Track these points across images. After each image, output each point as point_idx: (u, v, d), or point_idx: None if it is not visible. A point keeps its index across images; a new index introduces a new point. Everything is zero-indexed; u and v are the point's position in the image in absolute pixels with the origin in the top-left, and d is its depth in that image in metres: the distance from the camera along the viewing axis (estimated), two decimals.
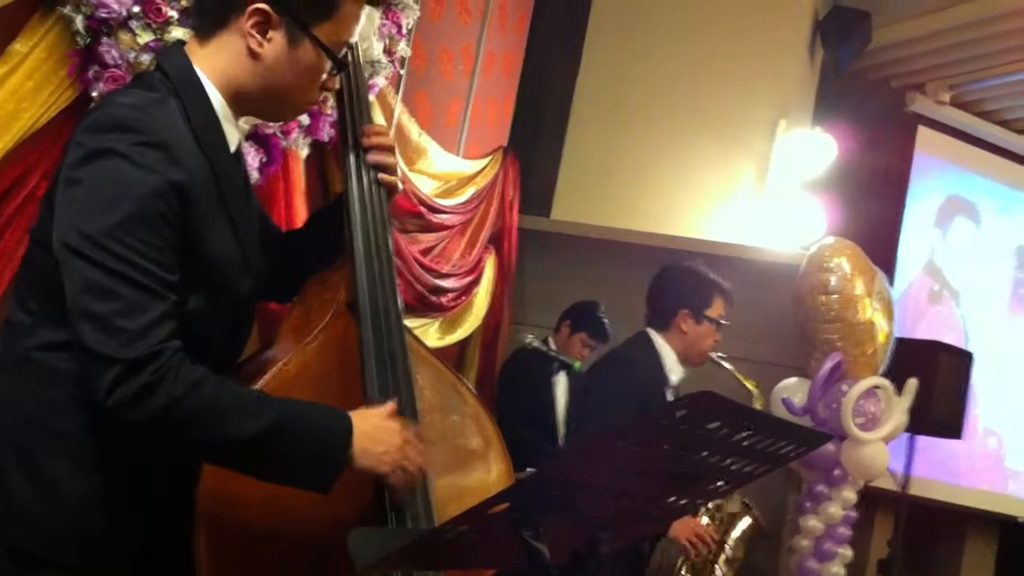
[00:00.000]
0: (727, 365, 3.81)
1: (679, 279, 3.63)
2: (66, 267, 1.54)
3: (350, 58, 1.94)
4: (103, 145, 1.55)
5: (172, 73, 1.71)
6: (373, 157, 2.00)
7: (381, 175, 2.00)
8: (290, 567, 1.72)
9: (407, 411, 1.85)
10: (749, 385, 3.84)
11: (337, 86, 1.87)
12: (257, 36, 1.71)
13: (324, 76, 1.78)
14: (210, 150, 1.69)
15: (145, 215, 1.54)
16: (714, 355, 3.67)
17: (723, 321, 3.61)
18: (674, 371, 3.56)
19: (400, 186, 2.08)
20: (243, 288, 1.78)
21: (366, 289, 1.89)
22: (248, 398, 1.62)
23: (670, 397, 3.54)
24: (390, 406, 1.77)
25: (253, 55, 1.72)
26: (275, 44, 1.71)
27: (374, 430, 1.70)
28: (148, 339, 1.51)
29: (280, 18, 1.70)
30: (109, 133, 1.57)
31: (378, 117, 3.90)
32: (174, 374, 1.52)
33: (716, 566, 3.84)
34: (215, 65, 1.73)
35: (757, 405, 3.93)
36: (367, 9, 1.83)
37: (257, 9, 1.70)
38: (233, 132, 1.78)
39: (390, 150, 2.03)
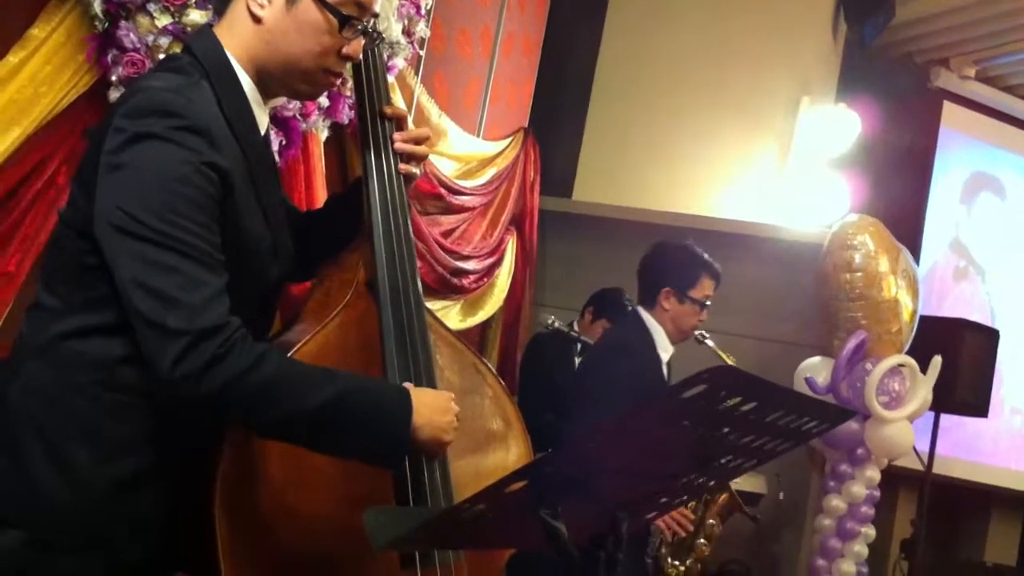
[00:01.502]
0: (709, 343, 3.83)
1: (667, 257, 3.63)
2: (115, 248, 1.54)
3: (369, 25, 1.85)
4: (145, 129, 1.55)
5: (203, 57, 1.70)
6: (401, 147, 1.97)
7: (403, 166, 1.98)
8: (309, 548, 1.72)
9: None
10: (729, 360, 3.84)
11: (358, 54, 1.80)
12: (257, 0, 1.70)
13: (339, 41, 1.74)
14: (243, 135, 1.69)
15: (192, 196, 1.54)
16: (696, 333, 3.67)
17: (708, 302, 3.59)
18: (665, 349, 3.56)
19: (418, 173, 2.05)
20: (272, 273, 1.78)
21: (385, 269, 1.88)
22: (313, 370, 1.63)
23: (665, 375, 3.55)
24: (448, 393, 1.79)
25: (256, 19, 1.71)
26: (275, 5, 1.70)
27: (435, 400, 1.72)
28: (212, 311, 1.51)
29: None
30: (149, 117, 1.56)
31: (397, 99, 3.88)
32: (240, 347, 1.53)
33: (697, 542, 3.85)
34: (232, 40, 1.72)
35: None
36: None
37: None
38: (263, 116, 1.78)
39: (424, 140, 2.01)
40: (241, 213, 1.66)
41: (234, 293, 1.62)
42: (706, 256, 3.59)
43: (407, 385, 1.74)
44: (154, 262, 1.51)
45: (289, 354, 1.76)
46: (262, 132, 1.78)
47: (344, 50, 1.76)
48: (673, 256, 3.61)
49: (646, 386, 3.34)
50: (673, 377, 3.67)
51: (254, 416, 1.58)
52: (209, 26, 1.79)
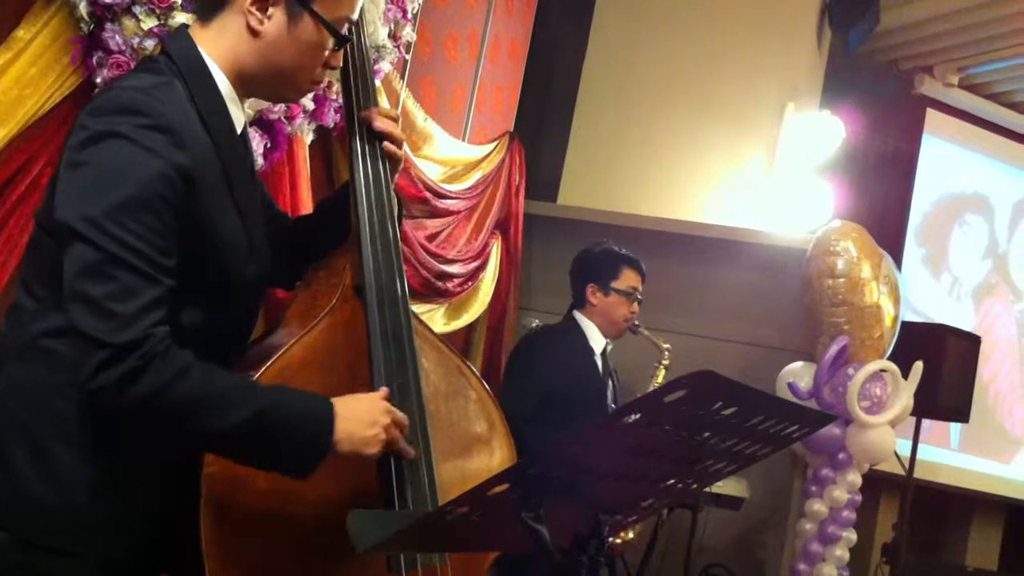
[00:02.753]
0: (644, 331, 4.10)
1: (587, 258, 3.89)
2: (65, 248, 1.54)
3: (353, 35, 1.91)
4: (108, 127, 1.55)
5: (177, 56, 1.71)
6: (377, 125, 1.99)
7: (386, 144, 2.00)
8: (294, 548, 1.72)
9: (412, 394, 1.85)
10: (662, 344, 4.21)
11: (340, 63, 1.85)
12: (257, 14, 1.71)
13: (327, 53, 1.78)
14: (217, 133, 1.69)
15: (147, 198, 1.54)
16: (633, 324, 3.93)
17: (634, 292, 3.82)
18: (596, 341, 3.80)
19: (403, 155, 2.06)
20: (248, 273, 1.78)
21: (372, 273, 1.89)
22: (232, 387, 1.61)
23: (599, 364, 3.79)
24: (383, 391, 1.78)
25: (253, 33, 1.71)
26: (275, 21, 1.71)
27: (359, 412, 1.70)
28: (138, 324, 1.51)
29: None
30: (114, 115, 1.56)
31: (383, 102, 3.89)
32: (160, 361, 1.52)
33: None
34: (218, 47, 1.73)
35: (666, 363, 4.27)
36: None
37: None
38: (239, 114, 1.78)
39: (394, 120, 2.03)
40: (212, 212, 1.66)
41: (211, 293, 1.63)
42: (624, 251, 3.86)
43: (341, 398, 1.71)
44: (92, 268, 1.51)
45: (275, 357, 1.76)
46: (239, 130, 1.78)
47: (328, 61, 1.80)
48: (594, 255, 3.88)
49: (569, 365, 3.68)
50: (623, 374, 3.99)
51: (171, 429, 1.58)
52: (186, 27, 1.79)
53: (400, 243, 1.96)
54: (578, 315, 3.84)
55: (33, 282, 1.67)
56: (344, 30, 1.79)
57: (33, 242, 1.72)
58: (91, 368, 1.49)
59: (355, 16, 1.83)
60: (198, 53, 1.72)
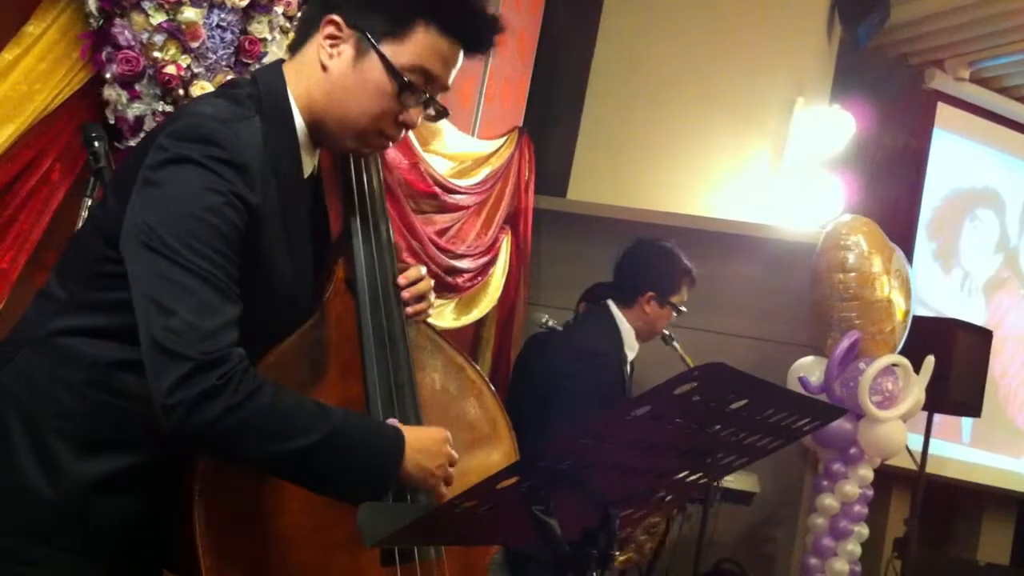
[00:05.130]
0: (676, 344, 3.95)
1: (651, 260, 3.61)
2: (137, 261, 1.53)
3: (429, 92, 1.77)
4: (184, 153, 1.55)
5: (264, 91, 1.71)
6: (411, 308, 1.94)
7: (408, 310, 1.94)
8: (289, 545, 1.72)
9: (406, 392, 1.84)
10: (688, 360, 3.98)
11: (417, 121, 1.78)
12: (328, 48, 1.70)
13: (398, 106, 1.72)
14: (284, 177, 1.68)
15: (218, 225, 1.54)
16: (665, 333, 3.77)
17: (683, 308, 3.63)
18: (632, 348, 3.56)
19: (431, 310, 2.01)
20: (280, 323, 1.77)
21: (364, 267, 1.87)
22: (304, 410, 1.58)
23: (626, 374, 3.57)
24: (444, 432, 1.74)
25: (324, 68, 1.71)
26: (343, 57, 1.70)
27: (427, 443, 1.68)
28: (219, 340, 1.49)
29: (350, 31, 1.70)
30: (193, 143, 1.56)
31: None
32: (238, 381, 1.50)
33: (638, 538, 3.86)
34: (299, 83, 1.73)
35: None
36: (459, 52, 1.76)
37: (330, 20, 1.70)
38: (310, 161, 1.78)
39: (424, 297, 1.97)
40: (266, 254, 1.66)
41: (244, 329, 1.62)
42: (688, 263, 3.61)
43: (408, 427, 1.70)
44: (173, 281, 1.50)
45: (266, 352, 1.74)
46: (305, 175, 1.77)
47: (400, 117, 1.75)
48: (658, 260, 3.61)
49: (609, 392, 3.32)
50: (637, 374, 3.68)
51: (240, 450, 1.55)
52: (281, 62, 1.79)
53: (393, 236, 1.95)
54: (617, 313, 3.56)
55: (67, 275, 1.68)
56: (422, 83, 1.72)
57: (80, 236, 1.74)
58: (171, 381, 1.47)
59: (437, 71, 1.74)
60: (285, 91, 1.72)
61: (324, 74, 1.71)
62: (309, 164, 1.78)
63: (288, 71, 1.75)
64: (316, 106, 1.73)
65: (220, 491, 1.65)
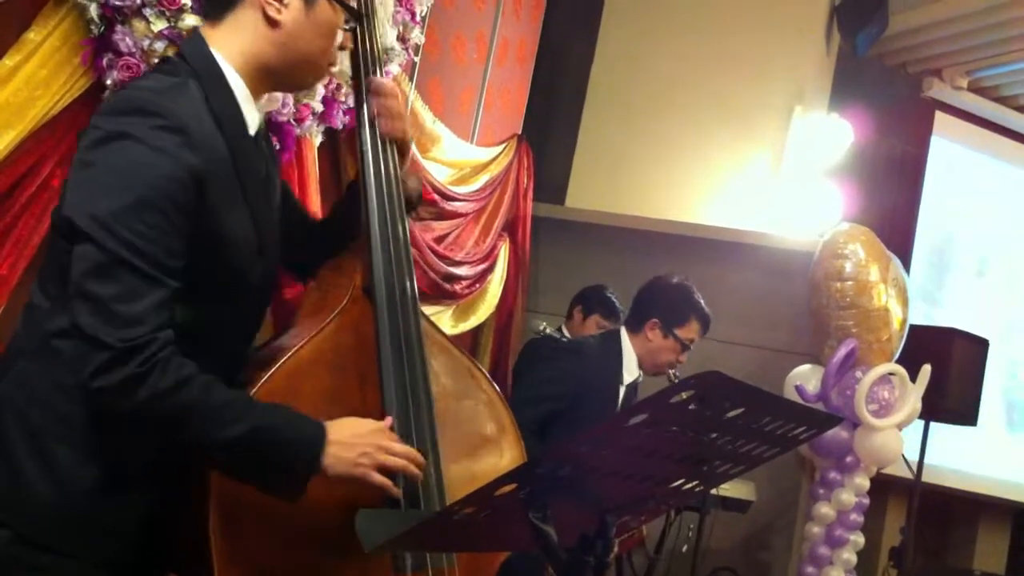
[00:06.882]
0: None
1: (664, 291, 3.68)
2: (72, 248, 1.55)
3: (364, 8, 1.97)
4: (119, 128, 1.56)
5: (191, 58, 1.73)
6: (379, 103, 2.00)
7: (382, 125, 2.00)
8: (303, 549, 1.73)
9: (422, 395, 1.86)
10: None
11: (351, 45, 1.91)
12: (275, 3, 1.73)
13: (340, 33, 1.82)
14: (230, 134, 1.70)
15: (155, 199, 1.55)
16: (671, 372, 3.72)
17: (690, 345, 3.63)
18: (630, 372, 3.62)
19: (410, 136, 2.08)
20: (255, 273, 1.78)
21: (382, 273, 1.89)
22: (229, 404, 1.61)
23: (622, 394, 3.60)
24: (373, 423, 1.76)
25: (272, 23, 1.74)
26: (292, 8, 1.75)
27: (350, 437, 1.70)
28: (141, 327, 1.52)
29: None
30: (126, 116, 1.58)
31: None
32: (161, 368, 1.53)
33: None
34: (232, 45, 1.75)
35: None
36: None
37: None
38: (254, 114, 1.79)
39: (395, 96, 2.03)
40: (223, 212, 1.67)
41: (219, 292, 1.63)
42: (702, 301, 3.63)
43: (338, 421, 1.72)
44: (98, 268, 1.52)
45: (285, 359, 1.76)
46: (253, 131, 1.79)
47: (342, 43, 1.85)
48: (670, 290, 3.66)
49: (579, 393, 3.42)
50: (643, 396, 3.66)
51: (168, 435, 1.61)
52: (198, 29, 1.81)
53: (410, 243, 1.97)
54: (624, 337, 3.65)
55: (47, 281, 1.69)
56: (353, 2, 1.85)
57: (49, 241, 1.74)
58: (92, 368, 1.51)
59: None
60: (211, 54, 1.74)
61: (274, 30, 1.75)
62: (254, 118, 1.80)
63: (213, 37, 1.76)
64: (263, 59, 1.76)
65: (235, 494, 1.66)
